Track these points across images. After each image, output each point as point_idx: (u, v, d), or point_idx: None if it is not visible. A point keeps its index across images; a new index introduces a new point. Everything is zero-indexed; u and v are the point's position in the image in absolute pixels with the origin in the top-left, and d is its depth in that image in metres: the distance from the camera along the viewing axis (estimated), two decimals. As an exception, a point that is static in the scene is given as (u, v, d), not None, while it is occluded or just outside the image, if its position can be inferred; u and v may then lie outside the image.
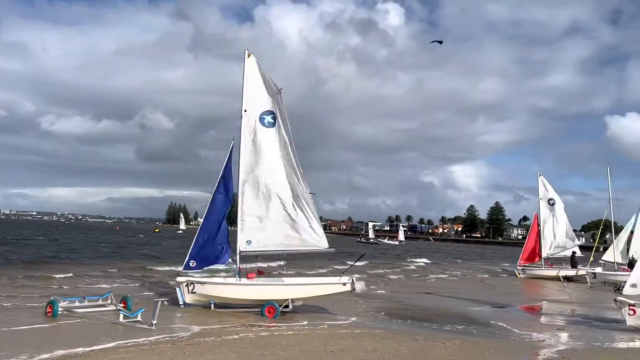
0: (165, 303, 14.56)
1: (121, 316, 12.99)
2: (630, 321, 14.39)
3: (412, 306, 18.84)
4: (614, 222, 37.49)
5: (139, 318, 12.82)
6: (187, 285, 15.39)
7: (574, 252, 35.90)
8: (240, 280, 15.55)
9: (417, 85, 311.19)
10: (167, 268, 27.88)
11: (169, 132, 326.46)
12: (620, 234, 35.27)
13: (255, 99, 16.11)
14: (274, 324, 13.61)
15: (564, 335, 14.20)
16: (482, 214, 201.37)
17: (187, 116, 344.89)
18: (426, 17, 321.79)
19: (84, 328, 12.31)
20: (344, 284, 15.11)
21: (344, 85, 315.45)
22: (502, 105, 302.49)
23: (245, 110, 16.08)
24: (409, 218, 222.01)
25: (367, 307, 17.71)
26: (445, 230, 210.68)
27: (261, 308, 14.72)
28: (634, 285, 15.14)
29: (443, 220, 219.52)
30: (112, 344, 10.50)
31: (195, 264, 15.84)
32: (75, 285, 20.87)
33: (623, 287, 15.81)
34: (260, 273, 16.20)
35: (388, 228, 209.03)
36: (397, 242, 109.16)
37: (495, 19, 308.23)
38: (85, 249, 44.43)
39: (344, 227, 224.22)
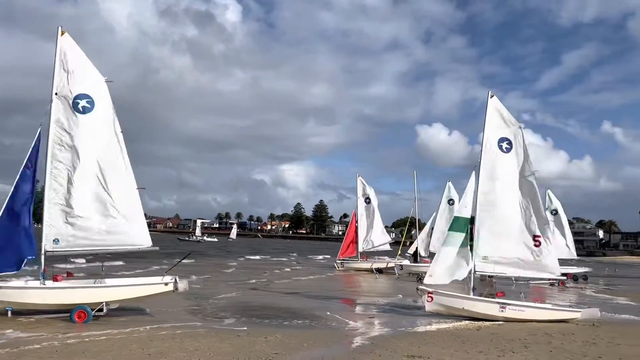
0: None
1: None
2: (428, 307, 16.31)
3: (238, 303, 18.87)
4: (418, 220, 42.32)
5: None
6: (-24, 291, 13.25)
7: (416, 248, 38.22)
8: (45, 283, 13.89)
9: (252, 83, 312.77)
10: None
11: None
12: (423, 229, 39.95)
13: (69, 82, 14.51)
14: (85, 330, 12.44)
15: (375, 323, 15.51)
16: (308, 211, 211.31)
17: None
18: (263, 17, 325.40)
19: None
20: (166, 284, 14.45)
21: (177, 76, 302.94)
22: (330, 109, 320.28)
23: (56, 94, 14.40)
24: (239, 215, 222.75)
25: (192, 306, 17.24)
26: (274, 227, 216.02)
27: (70, 313, 13.38)
28: (431, 275, 17.13)
29: (272, 217, 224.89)
30: None
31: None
32: None
33: (424, 277, 17.81)
34: (69, 275, 14.67)
35: (217, 225, 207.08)
36: (215, 239, 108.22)
37: (327, 27, 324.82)
38: None
39: (171, 225, 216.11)
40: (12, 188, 13.95)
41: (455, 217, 17.88)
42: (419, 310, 17.41)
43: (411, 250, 39.74)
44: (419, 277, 25.55)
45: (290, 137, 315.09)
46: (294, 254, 63.96)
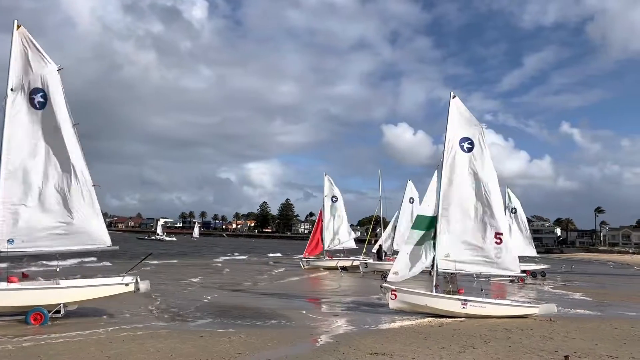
0: None
1: None
2: (392, 304, 16.50)
3: (204, 303, 18.62)
4: (383, 218, 42.73)
5: None
6: None
7: (380, 246, 38.59)
8: (-1, 284, 13.37)
9: (218, 81, 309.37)
10: None
11: None
12: (387, 228, 40.43)
13: (23, 75, 14.01)
14: (41, 333, 12.05)
15: (339, 321, 15.57)
16: (274, 210, 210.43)
17: None
18: (230, 14, 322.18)
19: None
20: (127, 284, 14.17)
21: (141, 73, 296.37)
22: (298, 108, 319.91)
23: (11, 89, 13.89)
24: (203, 214, 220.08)
25: (154, 307, 16.94)
26: (239, 226, 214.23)
27: (25, 315, 12.93)
28: (396, 273, 17.35)
29: (237, 216, 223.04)
30: None
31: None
32: None
33: (388, 275, 18.00)
34: (24, 276, 14.17)
35: (181, 225, 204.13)
36: (175, 239, 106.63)
37: (294, 26, 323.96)
38: None
39: (133, 224, 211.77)
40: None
41: (418, 215, 18.15)
42: (383, 307, 17.58)
43: (375, 248, 40.16)
44: (384, 275, 25.84)
45: (257, 135, 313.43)
46: (255, 252, 63.64)
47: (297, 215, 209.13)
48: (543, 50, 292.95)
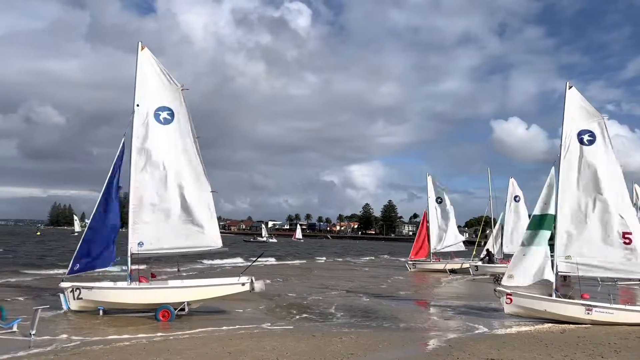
0: (46, 310, 13.39)
1: (-6, 328, 11.73)
2: (507, 309, 15.70)
3: (313, 302, 19.09)
4: (493, 219, 40.79)
5: (15, 329, 11.67)
6: (72, 290, 14.30)
7: (488, 249, 36.74)
8: (131, 283, 14.75)
9: (322, 86, 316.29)
10: (48, 272, 25.82)
11: (59, 128, 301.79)
12: (495, 229, 38.48)
13: (150, 94, 15.33)
14: (169, 328, 13.08)
15: (450, 325, 15.15)
16: (377, 211, 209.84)
17: (80, 111, 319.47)
18: (332, 19, 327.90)
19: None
20: (243, 284, 14.90)
21: (251, 83, 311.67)
22: (400, 108, 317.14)
23: (137, 105, 15.27)
24: (308, 216, 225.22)
25: (267, 306, 17.65)
26: (342, 228, 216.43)
27: (155, 312, 14.11)
28: (510, 276, 16.52)
29: (340, 218, 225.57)
30: (-18, 360, 9.47)
31: (79, 267, 14.76)
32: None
33: (502, 278, 17.19)
34: (153, 276, 15.47)
35: (288, 227, 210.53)
36: (276, 240, 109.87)
37: (396, 25, 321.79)
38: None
39: (244, 227, 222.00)
40: (100, 195, 14.97)
41: (533, 215, 17.13)
42: (496, 312, 16.83)
43: (484, 250, 38.41)
44: (496, 278, 24.73)
45: (359, 138, 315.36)
46: (360, 254, 63.78)
47: (401, 217, 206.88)
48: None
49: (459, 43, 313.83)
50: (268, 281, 24.26)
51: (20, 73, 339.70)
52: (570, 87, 16.56)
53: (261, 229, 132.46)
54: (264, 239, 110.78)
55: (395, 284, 29.13)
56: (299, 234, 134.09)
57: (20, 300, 17.25)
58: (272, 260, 44.85)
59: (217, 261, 36.20)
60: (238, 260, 38.98)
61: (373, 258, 58.41)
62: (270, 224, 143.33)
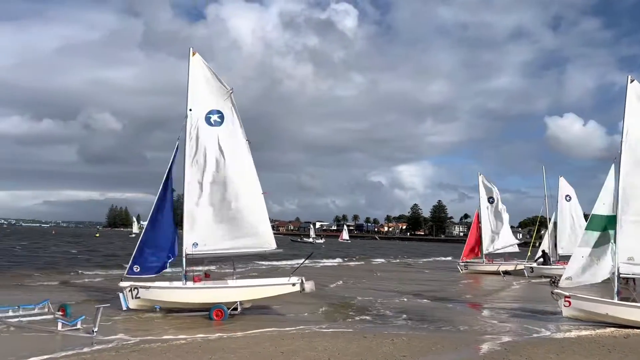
0: (107, 309, 13.97)
1: (59, 325, 12.31)
2: (566, 312, 15.14)
3: (362, 303, 19.03)
4: (549, 218, 39.36)
5: (78, 326, 12.24)
6: (130, 290, 14.86)
7: (544, 251, 35.46)
8: (186, 283, 15.18)
9: (370, 86, 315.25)
10: (108, 272, 26.92)
11: (115, 133, 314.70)
12: (549, 229, 37.07)
13: (201, 98, 15.74)
14: (223, 327, 13.37)
15: (505, 328, 14.75)
16: (426, 212, 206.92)
17: (135, 117, 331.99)
18: (379, 19, 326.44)
19: (19, 339, 11.60)
20: (293, 284, 15.03)
21: (298, 85, 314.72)
22: (449, 106, 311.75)
23: (190, 110, 15.70)
24: (355, 217, 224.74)
25: (317, 307, 17.73)
26: (390, 229, 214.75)
27: (209, 311, 14.45)
28: (568, 278, 15.91)
29: (388, 219, 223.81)
30: (50, 355, 9.96)
31: (139, 269, 15.30)
32: (10, 294, 19.67)
33: (559, 280, 16.58)
34: (207, 276, 15.87)
35: (335, 228, 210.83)
36: (322, 241, 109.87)
37: (445, 22, 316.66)
38: (24, 255, 42.12)
39: (292, 228, 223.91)
40: (156, 198, 15.50)
41: (592, 214, 16.41)
42: (553, 315, 16.23)
43: (541, 251, 37.07)
44: (553, 280, 23.86)
45: (406, 137, 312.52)
46: (410, 255, 63.02)
47: (451, 217, 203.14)
48: None
49: (510, 38, 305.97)
50: (332, 285, 24.40)
51: (79, 82, 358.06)
52: (632, 81, 15.78)
53: (309, 229, 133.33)
54: (311, 239, 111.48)
55: (449, 286, 28.61)
56: (345, 235, 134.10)
57: (83, 299, 18.09)
58: (326, 262, 44.91)
59: (283, 262, 36.25)
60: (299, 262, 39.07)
61: (430, 260, 57.61)
62: (317, 224, 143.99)
